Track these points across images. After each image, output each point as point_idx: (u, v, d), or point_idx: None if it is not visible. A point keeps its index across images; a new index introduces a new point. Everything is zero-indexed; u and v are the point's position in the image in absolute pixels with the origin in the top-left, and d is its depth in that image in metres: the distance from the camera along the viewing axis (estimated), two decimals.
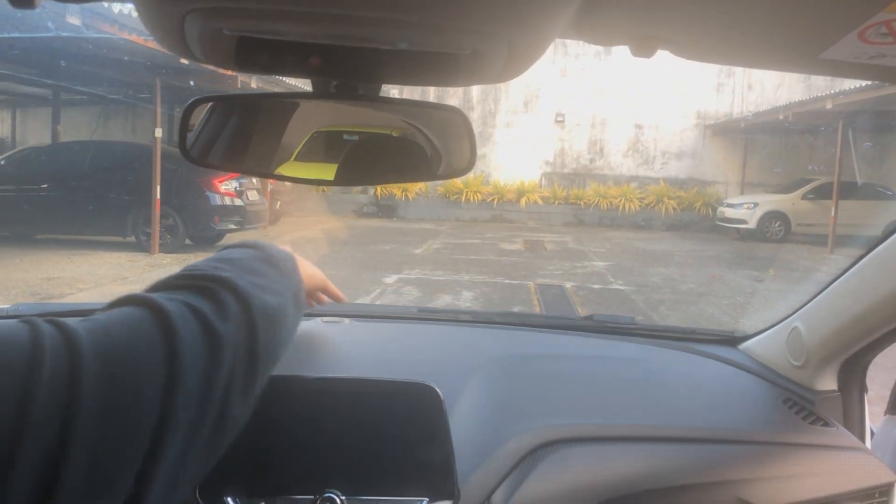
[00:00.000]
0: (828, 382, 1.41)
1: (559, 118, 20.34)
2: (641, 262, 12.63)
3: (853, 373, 1.41)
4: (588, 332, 1.69)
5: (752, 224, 16.92)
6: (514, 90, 20.31)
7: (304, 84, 0.78)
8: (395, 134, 0.80)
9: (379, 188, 19.33)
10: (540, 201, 19.54)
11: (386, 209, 19.38)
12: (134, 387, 0.56)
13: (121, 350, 0.57)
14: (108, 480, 0.53)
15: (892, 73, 0.67)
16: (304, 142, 0.81)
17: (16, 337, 0.52)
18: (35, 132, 18.97)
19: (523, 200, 19.42)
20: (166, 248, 11.42)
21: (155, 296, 0.66)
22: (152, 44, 9.56)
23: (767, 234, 16.81)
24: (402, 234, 15.47)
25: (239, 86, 11.79)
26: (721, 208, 18.07)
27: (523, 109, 20.46)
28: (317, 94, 0.75)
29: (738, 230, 17.32)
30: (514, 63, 0.67)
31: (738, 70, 19.87)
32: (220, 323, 0.66)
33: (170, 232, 11.70)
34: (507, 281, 9.93)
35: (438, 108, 0.78)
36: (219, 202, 11.75)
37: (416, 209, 19.32)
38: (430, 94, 15.89)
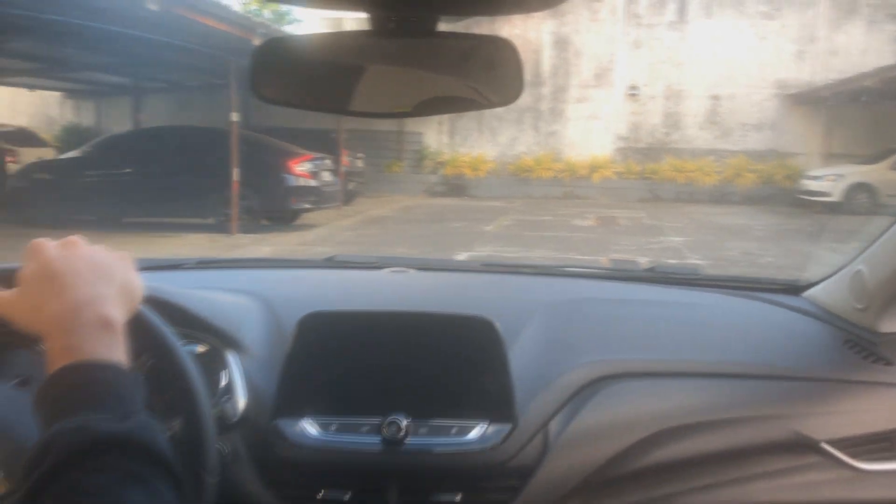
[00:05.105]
0: (891, 324, 1.40)
1: (632, 91, 19.91)
2: (719, 236, 12.35)
3: None
4: (650, 282, 1.72)
5: (836, 196, 16.26)
6: (585, 63, 19.99)
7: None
8: (452, 66, 0.85)
9: (448, 168, 19.40)
10: (613, 177, 19.24)
11: (456, 188, 19.43)
12: None
13: None
14: None
15: None
16: (368, 78, 0.87)
17: None
18: (117, 120, 19.70)
19: (596, 176, 19.16)
20: (244, 229, 11.77)
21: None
22: (225, 26, 9.82)
23: (853, 207, 16.13)
24: (472, 211, 15.51)
25: None
26: (803, 181, 17.43)
27: (595, 83, 20.11)
28: (377, 31, 0.81)
29: (821, 203, 16.70)
30: None
31: (821, 35, 19.04)
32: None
33: (248, 213, 12.05)
34: (578, 256, 9.87)
35: (489, 40, 0.83)
36: (294, 183, 12.06)
37: (486, 187, 19.30)
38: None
